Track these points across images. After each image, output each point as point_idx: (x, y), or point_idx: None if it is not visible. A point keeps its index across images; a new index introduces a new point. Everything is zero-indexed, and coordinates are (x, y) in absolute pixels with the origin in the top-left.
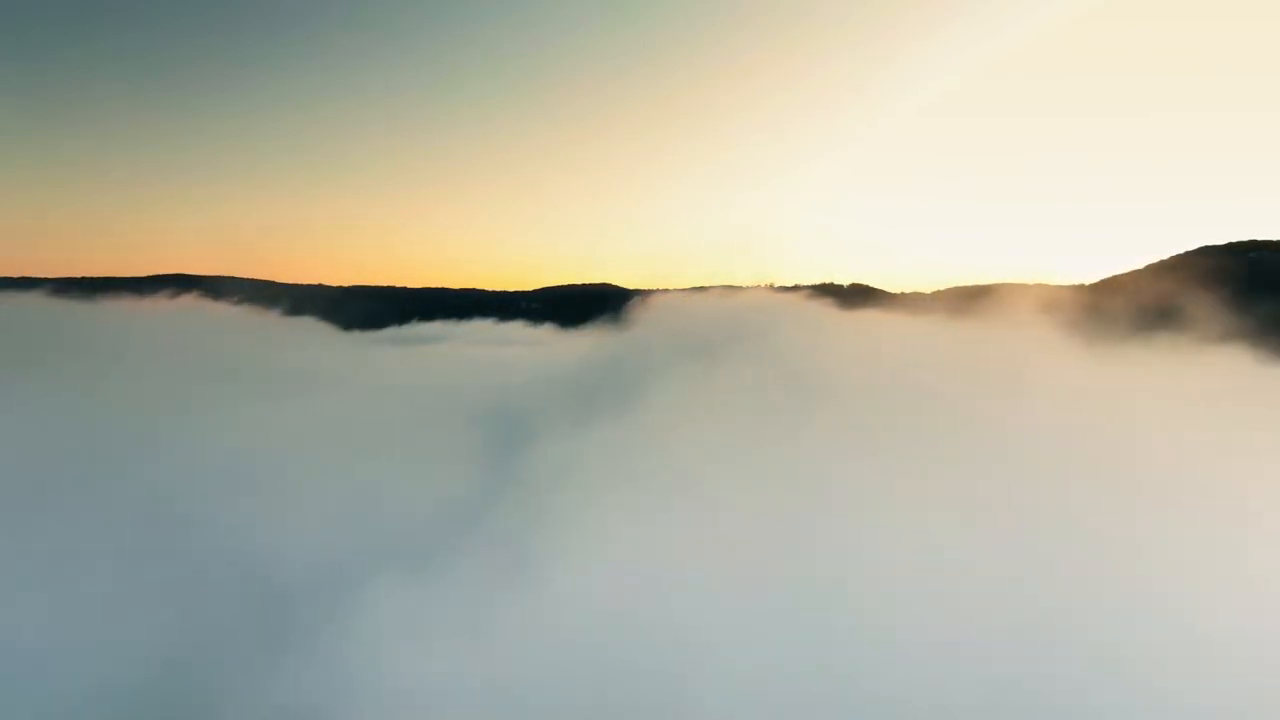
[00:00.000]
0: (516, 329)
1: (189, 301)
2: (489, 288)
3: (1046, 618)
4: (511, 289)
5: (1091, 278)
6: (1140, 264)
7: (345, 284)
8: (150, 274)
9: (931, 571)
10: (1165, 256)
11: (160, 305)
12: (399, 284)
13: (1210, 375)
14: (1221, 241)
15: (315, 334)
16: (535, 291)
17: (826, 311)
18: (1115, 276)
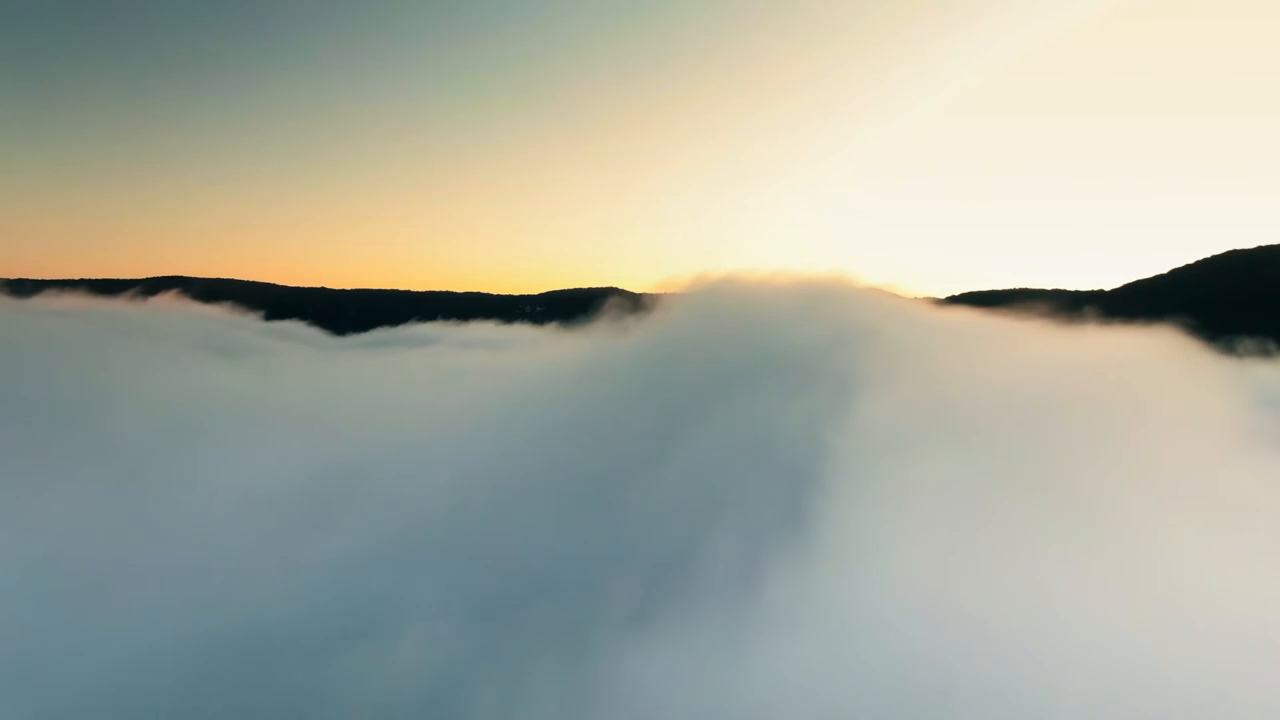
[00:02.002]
0: (514, 331)
1: (164, 301)
2: (494, 291)
3: None
4: (517, 293)
5: (1111, 283)
6: (1164, 269)
7: (348, 287)
8: (140, 277)
9: None
10: (1190, 260)
11: (117, 306)
12: (403, 288)
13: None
14: (1250, 245)
15: (286, 339)
16: (540, 295)
17: (926, 310)
18: (1138, 281)
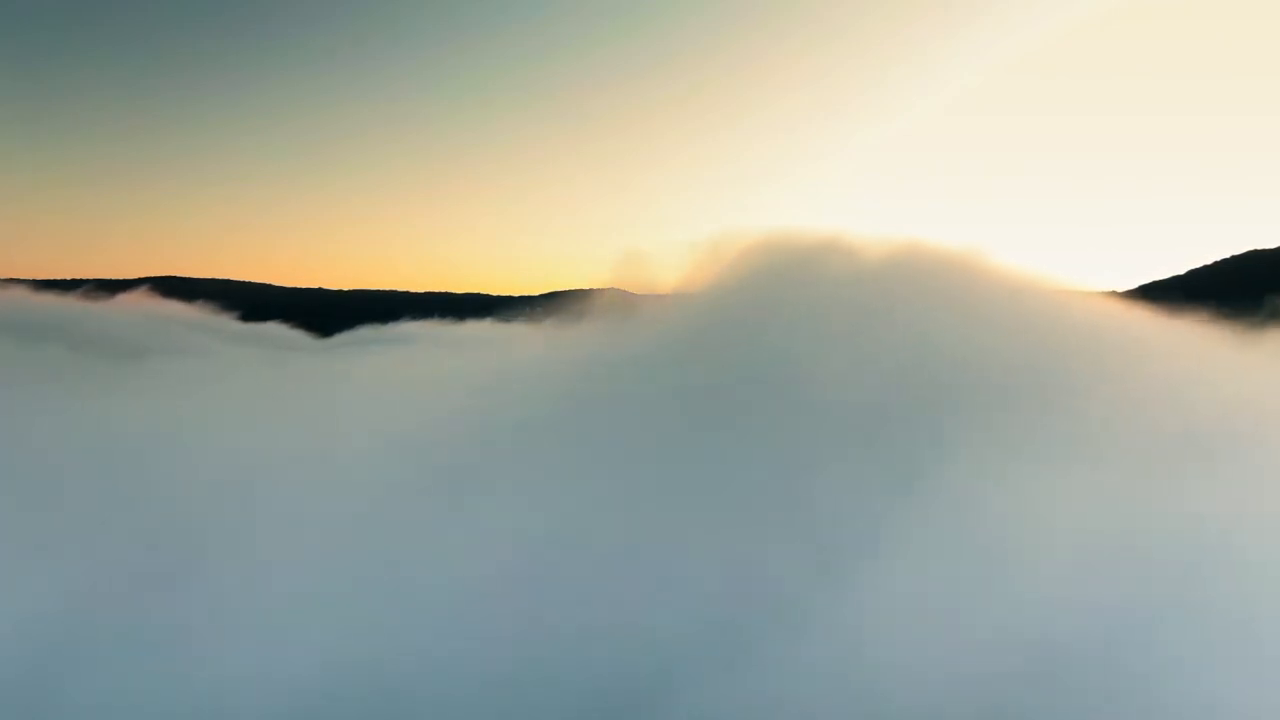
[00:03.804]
0: (510, 330)
1: (130, 300)
2: (494, 292)
3: None
4: (517, 294)
5: (1125, 284)
6: (1181, 269)
7: (345, 288)
8: (132, 277)
9: None
10: (1209, 261)
11: (66, 304)
12: (401, 288)
13: None
14: (1272, 245)
15: (252, 341)
16: (540, 296)
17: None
18: (1156, 283)
